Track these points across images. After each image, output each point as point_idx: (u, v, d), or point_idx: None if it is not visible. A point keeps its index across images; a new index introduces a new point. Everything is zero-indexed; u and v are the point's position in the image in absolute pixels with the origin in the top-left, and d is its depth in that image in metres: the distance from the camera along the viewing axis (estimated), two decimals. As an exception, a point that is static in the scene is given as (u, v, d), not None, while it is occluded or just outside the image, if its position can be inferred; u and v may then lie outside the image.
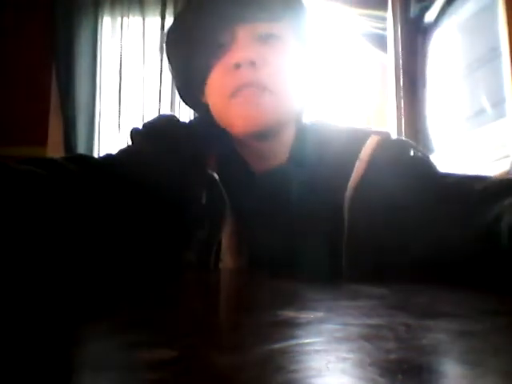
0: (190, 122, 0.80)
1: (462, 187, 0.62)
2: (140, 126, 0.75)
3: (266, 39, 0.67)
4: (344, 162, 0.68)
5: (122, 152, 0.72)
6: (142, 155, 0.70)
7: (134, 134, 0.74)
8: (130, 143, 0.75)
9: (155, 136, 0.72)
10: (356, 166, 0.68)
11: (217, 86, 0.68)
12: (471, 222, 0.56)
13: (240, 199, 0.69)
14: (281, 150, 0.72)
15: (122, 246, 0.64)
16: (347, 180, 0.67)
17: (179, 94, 0.77)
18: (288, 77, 0.68)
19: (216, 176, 0.67)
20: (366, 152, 0.69)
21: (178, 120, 0.77)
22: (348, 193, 0.66)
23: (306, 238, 0.67)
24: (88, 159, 0.68)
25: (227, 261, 0.67)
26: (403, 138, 0.75)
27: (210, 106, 0.70)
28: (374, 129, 0.75)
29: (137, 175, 0.67)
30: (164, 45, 0.73)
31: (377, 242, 0.63)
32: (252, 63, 0.64)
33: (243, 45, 0.66)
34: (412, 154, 0.72)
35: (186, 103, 0.78)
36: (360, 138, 0.71)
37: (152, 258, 0.64)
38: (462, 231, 0.56)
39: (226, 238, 0.67)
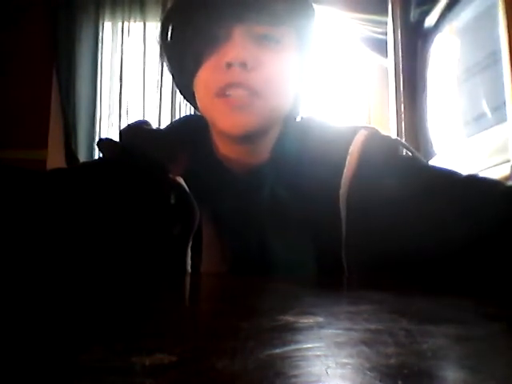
0: (166, 127, 0.80)
1: (467, 183, 0.62)
2: (107, 137, 0.77)
3: (262, 40, 0.65)
4: (334, 158, 0.66)
5: (91, 162, 0.77)
6: (106, 166, 0.72)
7: (100, 145, 0.74)
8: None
9: (122, 147, 0.72)
10: (347, 162, 0.66)
11: (205, 82, 0.67)
12: (481, 217, 0.56)
13: (218, 201, 0.69)
14: (263, 150, 0.71)
15: (103, 250, 0.65)
16: (339, 177, 0.65)
17: (173, 80, 0.76)
18: (280, 82, 0.66)
19: (181, 180, 0.66)
20: (355, 146, 0.67)
21: (148, 127, 0.76)
22: (342, 190, 0.65)
23: (293, 240, 0.66)
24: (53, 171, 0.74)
25: (208, 262, 0.67)
26: (392, 136, 0.73)
27: (197, 100, 0.70)
28: (362, 124, 0.73)
29: (102, 183, 0.69)
30: (159, 30, 0.71)
31: (377, 239, 0.61)
32: (243, 64, 0.63)
33: (237, 44, 0.64)
34: (403, 152, 0.72)
35: (179, 91, 0.77)
36: (348, 133, 0.69)
37: (131, 254, 0.65)
38: (472, 226, 0.57)
39: (206, 239, 0.67)
